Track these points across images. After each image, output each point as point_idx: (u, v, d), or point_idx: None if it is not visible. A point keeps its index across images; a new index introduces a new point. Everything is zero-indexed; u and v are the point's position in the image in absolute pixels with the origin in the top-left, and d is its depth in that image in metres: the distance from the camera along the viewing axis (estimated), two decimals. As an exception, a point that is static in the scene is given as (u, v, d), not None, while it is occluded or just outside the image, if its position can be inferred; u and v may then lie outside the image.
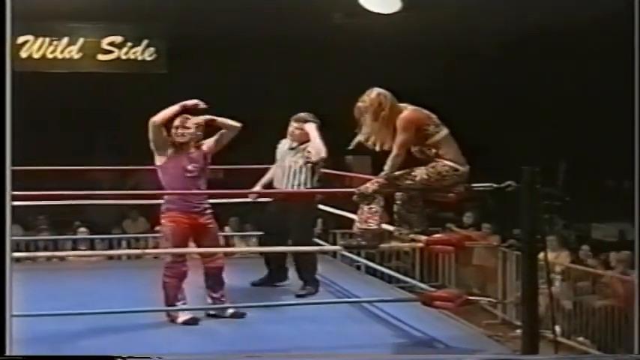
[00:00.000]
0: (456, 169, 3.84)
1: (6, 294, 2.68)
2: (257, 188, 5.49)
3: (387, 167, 3.90)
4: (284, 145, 5.37)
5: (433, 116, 3.92)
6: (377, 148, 3.89)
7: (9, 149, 2.69)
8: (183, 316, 4.36)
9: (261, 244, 5.67)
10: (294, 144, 5.30)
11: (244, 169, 6.18)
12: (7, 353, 2.72)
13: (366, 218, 3.91)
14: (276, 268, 5.42)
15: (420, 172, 3.87)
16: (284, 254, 5.41)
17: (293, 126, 5.30)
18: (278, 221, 5.22)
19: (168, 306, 4.35)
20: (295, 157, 5.25)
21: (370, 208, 3.90)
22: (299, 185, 5.20)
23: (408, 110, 3.89)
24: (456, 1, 8.92)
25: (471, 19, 9.65)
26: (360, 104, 3.92)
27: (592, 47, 8.86)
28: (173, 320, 4.37)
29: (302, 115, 5.32)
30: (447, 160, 3.84)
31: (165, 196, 4.52)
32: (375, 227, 3.92)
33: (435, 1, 8.87)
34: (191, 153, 4.53)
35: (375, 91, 3.92)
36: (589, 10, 8.69)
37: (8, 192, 2.69)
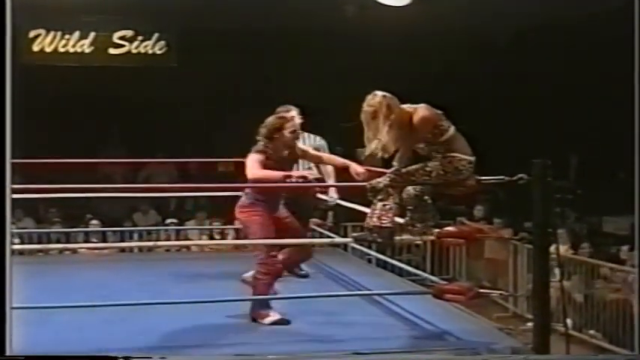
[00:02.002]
0: (470, 162, 3.85)
1: (6, 294, 2.69)
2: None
3: (396, 162, 3.88)
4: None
5: (441, 113, 3.90)
6: (386, 156, 3.84)
7: (9, 142, 2.70)
8: (272, 317, 4.17)
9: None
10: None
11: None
12: (7, 353, 2.73)
13: (380, 215, 3.90)
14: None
15: (435, 167, 3.84)
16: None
17: (292, 116, 5.29)
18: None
19: (258, 305, 4.17)
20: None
21: (384, 204, 3.89)
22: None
23: (421, 109, 3.83)
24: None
25: (483, 11, 9.60)
26: (367, 109, 3.83)
27: (605, 39, 8.80)
28: (256, 320, 4.18)
29: (288, 106, 5.32)
30: (461, 154, 3.83)
31: (248, 190, 4.35)
32: (389, 225, 3.90)
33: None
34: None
35: (378, 95, 3.82)
36: (602, 1, 8.64)
37: (8, 184, 2.70)
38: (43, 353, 3.26)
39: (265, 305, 4.20)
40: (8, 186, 2.68)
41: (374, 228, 3.94)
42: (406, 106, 3.89)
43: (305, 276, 5.39)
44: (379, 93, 3.84)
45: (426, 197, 3.99)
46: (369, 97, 3.86)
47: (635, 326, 3.27)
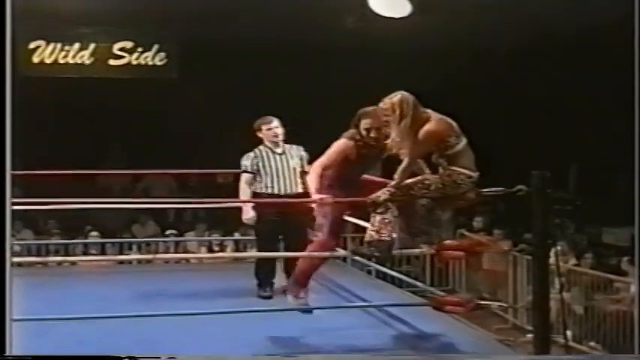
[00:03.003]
0: (470, 176, 3.83)
1: (6, 294, 2.68)
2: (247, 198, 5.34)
3: (397, 176, 3.86)
4: (262, 153, 5.29)
5: (455, 126, 3.85)
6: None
7: (9, 153, 2.70)
8: (300, 299, 4.20)
9: (259, 250, 5.54)
10: (279, 149, 5.29)
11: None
12: (7, 353, 2.72)
13: (379, 228, 3.89)
14: (265, 277, 5.29)
15: (434, 181, 3.83)
16: (275, 263, 5.30)
17: (275, 126, 5.27)
18: (275, 225, 5.20)
19: (294, 280, 4.23)
20: (288, 161, 5.24)
21: (383, 218, 3.88)
22: (298, 190, 5.20)
23: (433, 122, 3.80)
24: (465, 4, 8.90)
25: (482, 22, 9.63)
26: (381, 105, 3.85)
27: (605, 51, 8.83)
28: (286, 293, 4.28)
29: (269, 117, 5.32)
30: (462, 167, 3.82)
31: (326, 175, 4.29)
32: (388, 238, 3.89)
33: (444, 4, 8.86)
34: None
35: (397, 96, 3.82)
36: (602, 14, 8.66)
37: (8, 196, 2.69)
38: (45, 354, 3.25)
39: (301, 284, 4.22)
40: (8, 198, 2.67)
41: (373, 241, 3.93)
42: (427, 113, 3.84)
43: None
44: (399, 94, 3.84)
45: (433, 216, 3.98)
46: (390, 95, 3.85)
47: (635, 333, 3.26)
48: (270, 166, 5.25)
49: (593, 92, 9.77)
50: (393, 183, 3.86)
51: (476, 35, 10.17)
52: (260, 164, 5.27)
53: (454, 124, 3.87)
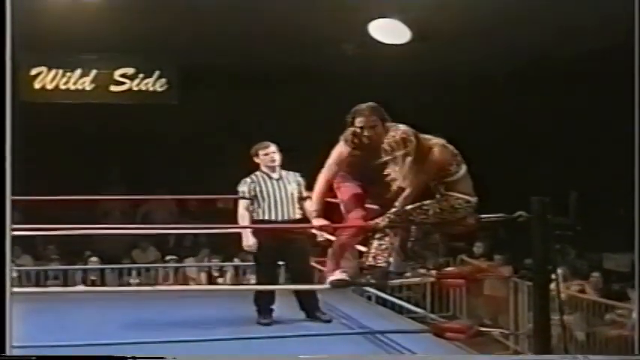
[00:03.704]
0: (468, 201, 3.83)
1: (6, 293, 2.67)
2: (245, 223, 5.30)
3: (399, 203, 3.84)
4: (259, 179, 5.29)
5: (457, 153, 3.86)
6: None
7: (9, 179, 2.70)
8: (335, 275, 4.10)
9: (258, 276, 5.52)
10: (275, 174, 5.29)
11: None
12: (7, 353, 2.71)
13: (375, 255, 3.88)
14: (265, 304, 5.25)
15: (432, 206, 3.83)
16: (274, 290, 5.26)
17: (273, 152, 5.26)
18: (275, 252, 5.18)
19: (331, 258, 4.15)
20: (285, 186, 5.23)
21: (380, 244, 3.88)
22: (294, 214, 5.19)
23: (436, 151, 3.79)
24: (465, 30, 8.96)
25: (480, 48, 9.69)
26: (385, 147, 3.80)
27: (605, 76, 8.86)
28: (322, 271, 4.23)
29: (265, 142, 5.32)
30: (459, 193, 3.82)
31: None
32: (384, 265, 3.88)
33: (443, 31, 8.91)
34: None
35: (399, 132, 3.80)
36: (601, 38, 8.72)
37: (8, 222, 2.69)
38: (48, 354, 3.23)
39: (335, 263, 4.15)
40: (8, 224, 2.67)
41: (369, 268, 3.92)
42: (429, 141, 3.83)
43: (328, 321, 5.26)
44: (400, 130, 3.81)
45: (430, 239, 3.98)
46: (391, 131, 3.84)
47: (635, 328, 3.25)
48: (268, 192, 5.24)
49: (593, 117, 9.80)
50: (393, 210, 3.85)
51: (475, 61, 10.22)
52: (257, 190, 5.26)
53: (456, 151, 3.87)
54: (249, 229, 5.24)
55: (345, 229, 4.15)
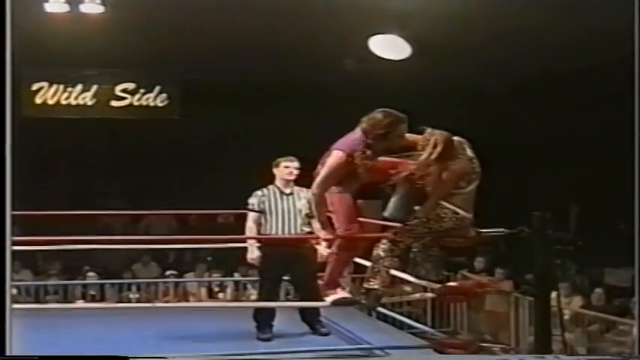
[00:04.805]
0: (456, 212, 3.81)
1: (6, 292, 2.67)
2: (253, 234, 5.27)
3: (422, 213, 3.84)
4: (270, 192, 5.27)
5: (478, 172, 3.88)
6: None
7: (9, 194, 2.71)
8: (336, 295, 4.07)
9: (260, 290, 5.51)
10: (288, 189, 5.29)
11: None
12: (7, 353, 2.70)
13: (369, 277, 3.89)
14: (264, 319, 5.20)
15: (420, 215, 3.85)
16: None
17: (294, 167, 5.24)
18: (280, 267, 5.17)
19: (327, 279, 4.10)
20: (295, 202, 5.21)
21: (373, 268, 3.87)
22: (302, 229, 5.16)
23: (460, 163, 3.83)
24: (465, 45, 8.99)
25: (480, 63, 9.72)
26: (421, 143, 3.85)
27: (605, 90, 8.89)
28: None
29: (291, 157, 5.30)
30: (449, 204, 3.82)
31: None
32: (376, 288, 3.87)
33: (443, 46, 8.95)
34: None
35: (434, 135, 3.85)
36: (604, 52, 8.74)
37: (8, 237, 2.70)
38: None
39: (333, 283, 4.12)
40: (8, 238, 2.67)
41: (364, 290, 3.92)
42: (458, 151, 3.87)
43: (327, 334, 5.25)
44: (437, 133, 3.88)
45: (430, 251, 3.97)
46: (427, 132, 3.90)
47: (635, 328, 3.25)
48: (277, 207, 5.23)
49: (593, 131, 9.81)
50: (415, 221, 3.84)
51: (475, 76, 10.26)
52: (266, 204, 5.25)
53: (478, 169, 3.88)
54: (254, 242, 5.23)
55: (348, 242, 4.10)
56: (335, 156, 4.02)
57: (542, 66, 9.85)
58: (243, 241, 5.56)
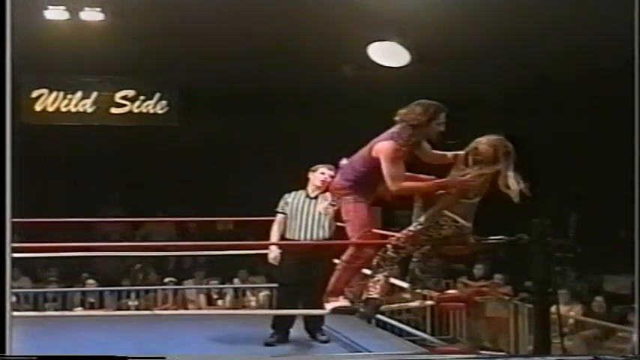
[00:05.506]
0: (455, 221, 3.82)
1: (6, 291, 2.66)
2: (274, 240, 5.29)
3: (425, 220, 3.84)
4: (298, 196, 5.30)
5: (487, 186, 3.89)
6: None
7: (9, 201, 2.71)
8: (335, 303, 4.07)
9: (278, 298, 5.52)
10: (314, 193, 5.27)
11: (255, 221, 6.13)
12: (7, 353, 2.69)
13: (369, 286, 3.88)
14: (284, 328, 5.22)
15: (421, 221, 3.85)
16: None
17: (329, 174, 5.15)
18: (299, 274, 5.12)
19: (331, 287, 4.08)
20: (316, 206, 5.18)
21: (373, 277, 3.87)
22: (324, 236, 5.14)
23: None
24: (464, 52, 9.00)
25: (481, 70, 9.73)
26: (481, 149, 3.96)
27: (605, 97, 8.90)
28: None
29: (331, 165, 5.28)
30: (449, 211, 3.83)
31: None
32: (374, 297, 3.86)
33: (442, 53, 8.96)
34: None
35: (485, 142, 4.01)
36: (602, 59, 8.76)
37: (8, 243, 2.70)
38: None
39: (338, 291, 4.10)
40: (8, 245, 2.67)
41: (364, 299, 3.91)
42: (499, 160, 3.92)
43: (326, 341, 5.26)
44: (492, 139, 4.10)
45: (430, 261, 3.96)
46: (484, 138, 4.01)
47: (635, 328, 3.25)
48: (302, 212, 5.21)
49: (592, 138, 9.81)
50: (419, 227, 3.83)
51: (474, 82, 10.27)
52: (288, 208, 5.26)
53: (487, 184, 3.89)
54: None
55: (360, 252, 4.06)
56: (388, 147, 3.98)
57: (541, 72, 9.86)
58: (247, 247, 5.59)
